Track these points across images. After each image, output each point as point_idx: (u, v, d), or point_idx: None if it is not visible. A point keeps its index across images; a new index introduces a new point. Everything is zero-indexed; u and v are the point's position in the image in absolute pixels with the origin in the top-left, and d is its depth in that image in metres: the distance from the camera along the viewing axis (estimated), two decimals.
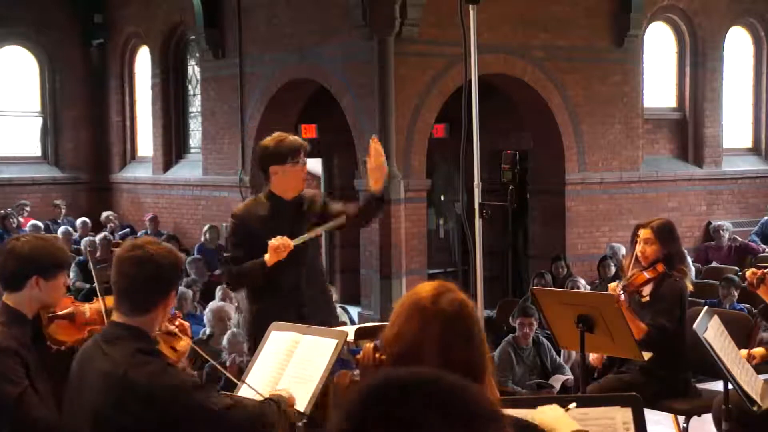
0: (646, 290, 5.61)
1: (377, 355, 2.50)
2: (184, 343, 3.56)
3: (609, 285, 5.51)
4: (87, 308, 3.76)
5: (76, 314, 3.69)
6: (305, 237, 4.92)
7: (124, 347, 3.12)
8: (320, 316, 4.86)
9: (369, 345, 2.54)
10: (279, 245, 4.82)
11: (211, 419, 3.10)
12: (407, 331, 2.46)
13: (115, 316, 3.23)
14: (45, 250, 3.62)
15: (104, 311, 3.67)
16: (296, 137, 5.18)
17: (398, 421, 1.46)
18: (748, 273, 5.25)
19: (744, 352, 5.04)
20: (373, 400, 1.49)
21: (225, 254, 5.22)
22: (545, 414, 2.83)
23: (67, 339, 3.64)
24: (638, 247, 5.61)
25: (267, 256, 4.87)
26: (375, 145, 4.99)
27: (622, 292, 5.38)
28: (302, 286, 5.08)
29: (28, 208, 14.94)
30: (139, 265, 3.15)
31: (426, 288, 2.53)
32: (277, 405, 3.33)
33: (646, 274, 5.55)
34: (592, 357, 5.68)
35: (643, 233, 5.65)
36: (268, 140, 5.18)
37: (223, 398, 3.25)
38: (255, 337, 4.67)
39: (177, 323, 3.63)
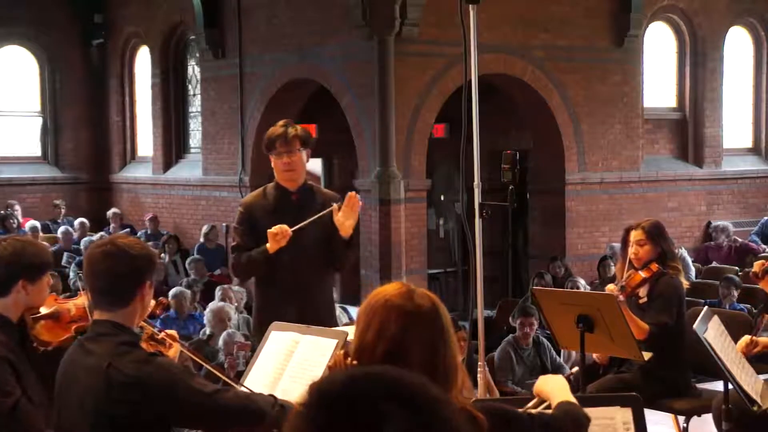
0: (643, 291, 5.63)
1: (348, 362, 2.50)
2: (174, 350, 3.55)
3: (607, 287, 5.52)
4: (71, 305, 3.70)
5: (60, 312, 3.64)
6: (303, 224, 4.93)
7: (107, 342, 3.13)
8: (318, 318, 4.84)
9: (339, 352, 2.54)
10: (277, 232, 4.85)
11: (203, 402, 3.11)
12: (388, 333, 2.46)
13: (96, 314, 3.23)
14: (28, 252, 3.57)
15: (89, 306, 3.60)
16: (282, 128, 5.11)
17: (358, 414, 1.46)
18: (757, 263, 5.26)
19: (747, 337, 5.02)
20: (333, 398, 1.50)
21: (232, 243, 5.27)
22: (546, 382, 2.91)
23: (52, 339, 3.59)
24: (631, 250, 5.63)
25: (269, 245, 4.91)
26: (354, 201, 4.98)
27: (620, 292, 5.38)
28: (303, 290, 5.07)
29: (17, 207, 14.87)
30: (112, 258, 3.15)
31: (392, 288, 2.52)
32: (277, 403, 3.29)
33: (642, 274, 5.57)
34: (597, 353, 5.68)
35: (634, 235, 5.67)
36: None
37: (211, 383, 3.27)
38: (255, 336, 4.71)
39: (162, 333, 3.60)
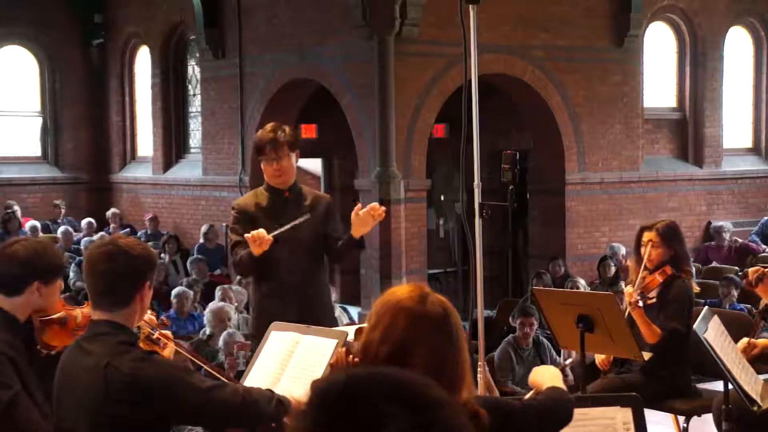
0: (653, 292, 5.61)
1: (350, 359, 2.51)
2: (169, 350, 3.56)
3: (625, 290, 5.50)
4: (78, 312, 3.70)
5: (67, 318, 3.65)
6: (281, 230, 4.97)
7: (105, 342, 3.14)
8: (316, 318, 4.85)
9: (341, 349, 2.56)
10: (255, 238, 4.89)
11: (201, 399, 3.12)
12: (394, 334, 2.47)
13: (94, 315, 3.24)
14: (45, 254, 3.59)
15: None
16: (271, 133, 5.17)
17: (359, 414, 1.47)
18: (751, 270, 5.25)
19: (745, 340, 5.01)
20: (333, 398, 1.50)
21: (231, 243, 5.34)
22: (539, 373, 3.10)
23: (57, 344, 3.59)
24: (644, 250, 5.59)
25: (252, 249, 4.97)
26: (379, 214, 5.04)
27: (639, 298, 5.37)
28: (300, 286, 5.11)
29: (16, 207, 14.86)
30: (112, 259, 3.16)
31: (406, 290, 2.55)
32: (275, 398, 3.30)
33: (659, 278, 5.55)
34: (599, 359, 5.67)
35: (648, 236, 5.63)
36: None
37: (208, 379, 3.28)
38: (255, 337, 4.73)
39: (157, 333, 3.60)
